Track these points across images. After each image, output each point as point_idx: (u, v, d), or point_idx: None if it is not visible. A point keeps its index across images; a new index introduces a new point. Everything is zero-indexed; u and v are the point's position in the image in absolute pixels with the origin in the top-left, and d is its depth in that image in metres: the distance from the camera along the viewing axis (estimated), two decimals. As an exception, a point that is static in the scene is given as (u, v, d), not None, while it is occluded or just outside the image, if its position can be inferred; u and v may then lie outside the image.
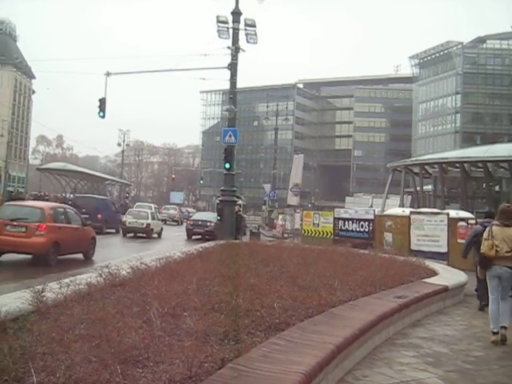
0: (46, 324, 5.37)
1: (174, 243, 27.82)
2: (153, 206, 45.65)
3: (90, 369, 4.16)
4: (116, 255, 19.24)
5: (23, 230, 15.58)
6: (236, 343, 5.35)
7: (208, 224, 31.40)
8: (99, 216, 29.63)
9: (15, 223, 15.67)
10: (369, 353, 7.15)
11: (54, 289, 6.64)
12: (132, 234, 30.68)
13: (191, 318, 5.98)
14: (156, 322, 5.67)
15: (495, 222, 8.55)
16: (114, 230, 32.57)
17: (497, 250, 8.15)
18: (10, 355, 4.21)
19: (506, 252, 8.13)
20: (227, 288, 7.54)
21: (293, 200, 50.87)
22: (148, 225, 30.71)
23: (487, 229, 8.58)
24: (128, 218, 31.28)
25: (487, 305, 9.09)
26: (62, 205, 21.43)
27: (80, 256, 17.99)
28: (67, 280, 7.14)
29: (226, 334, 5.60)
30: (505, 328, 8.18)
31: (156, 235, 32.14)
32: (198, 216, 36.04)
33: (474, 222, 17.66)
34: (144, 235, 30.27)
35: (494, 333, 8.21)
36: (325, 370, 5.19)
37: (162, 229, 33.88)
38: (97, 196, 41.95)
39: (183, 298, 6.79)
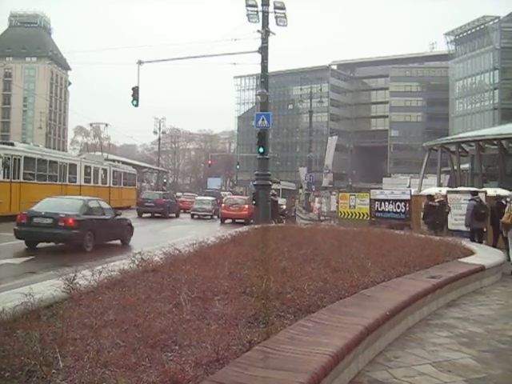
0: (78, 310, 5.47)
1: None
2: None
3: (119, 353, 4.23)
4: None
5: (237, 208, 34.68)
6: (265, 326, 5.35)
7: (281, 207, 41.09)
8: None
9: (234, 205, 34.90)
10: (401, 334, 7.09)
11: (87, 276, 6.75)
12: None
13: (221, 301, 6.03)
14: (186, 306, 5.72)
15: None
16: None
17: None
18: (40, 341, 4.30)
19: None
20: (258, 271, 7.56)
21: (325, 181, 50.69)
22: None
23: (507, 206, 13.65)
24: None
25: None
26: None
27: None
28: (99, 267, 7.27)
29: (256, 317, 5.62)
30: None
31: None
32: None
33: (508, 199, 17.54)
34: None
35: None
36: (354, 352, 5.17)
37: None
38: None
39: (214, 283, 6.84)
